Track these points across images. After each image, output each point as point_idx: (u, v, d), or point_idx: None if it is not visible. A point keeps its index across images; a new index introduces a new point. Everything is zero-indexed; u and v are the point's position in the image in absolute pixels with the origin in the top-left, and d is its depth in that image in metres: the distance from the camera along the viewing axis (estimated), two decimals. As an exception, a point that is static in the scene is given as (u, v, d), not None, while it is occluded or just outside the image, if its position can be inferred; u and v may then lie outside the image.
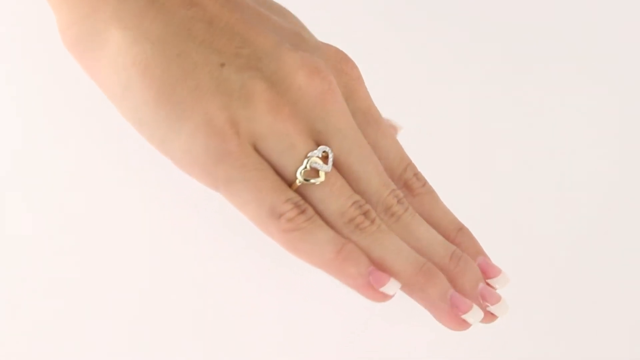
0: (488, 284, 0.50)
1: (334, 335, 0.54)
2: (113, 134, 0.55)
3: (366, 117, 0.51)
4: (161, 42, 0.47)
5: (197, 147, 0.46)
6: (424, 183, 0.51)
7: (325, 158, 0.48)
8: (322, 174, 0.47)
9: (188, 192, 0.51)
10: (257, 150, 0.47)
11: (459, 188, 0.56)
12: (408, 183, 0.51)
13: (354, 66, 0.51)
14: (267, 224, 0.47)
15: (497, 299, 0.49)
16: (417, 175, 0.51)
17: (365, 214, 0.48)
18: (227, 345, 0.52)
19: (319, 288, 0.54)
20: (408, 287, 0.47)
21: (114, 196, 0.54)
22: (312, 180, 0.47)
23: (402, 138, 0.53)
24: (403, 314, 0.51)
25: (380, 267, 0.47)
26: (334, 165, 0.48)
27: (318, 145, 0.48)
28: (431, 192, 0.51)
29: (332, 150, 0.48)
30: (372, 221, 0.48)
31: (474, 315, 0.47)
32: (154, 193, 0.54)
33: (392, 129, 0.55)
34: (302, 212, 0.47)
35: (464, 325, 0.47)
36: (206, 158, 0.46)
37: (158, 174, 0.51)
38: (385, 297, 0.46)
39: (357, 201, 0.48)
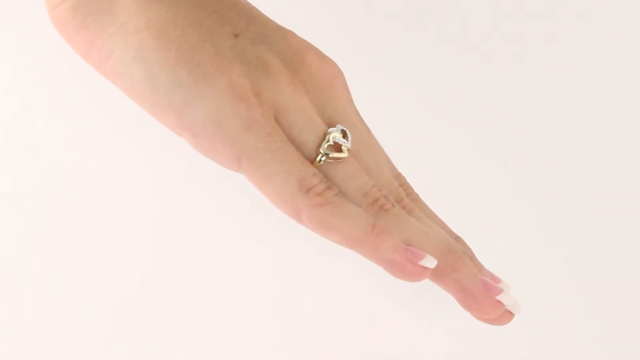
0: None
1: (339, 333, 0.49)
2: (105, 129, 0.49)
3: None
4: (174, 7, 0.43)
5: (223, 112, 0.42)
6: (415, 197, 0.49)
7: (344, 136, 0.45)
8: (345, 149, 0.44)
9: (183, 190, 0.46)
10: (278, 123, 0.44)
11: (453, 193, 0.55)
12: (398, 198, 0.49)
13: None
14: (295, 198, 0.43)
15: (500, 290, 0.47)
16: (404, 185, 0.49)
17: (385, 197, 0.45)
18: (229, 343, 0.46)
19: (320, 288, 0.50)
20: (439, 269, 0.45)
21: (107, 192, 0.48)
22: (336, 155, 0.44)
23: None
24: (408, 315, 0.47)
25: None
26: None
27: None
28: (418, 199, 0.49)
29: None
30: (392, 204, 0.45)
31: (507, 296, 0.45)
32: (150, 192, 0.49)
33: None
34: (330, 186, 0.43)
35: (499, 307, 0.45)
36: (233, 125, 0.42)
37: (154, 173, 0.46)
38: (424, 271, 0.43)
39: (374, 185, 0.45)
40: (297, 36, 0.47)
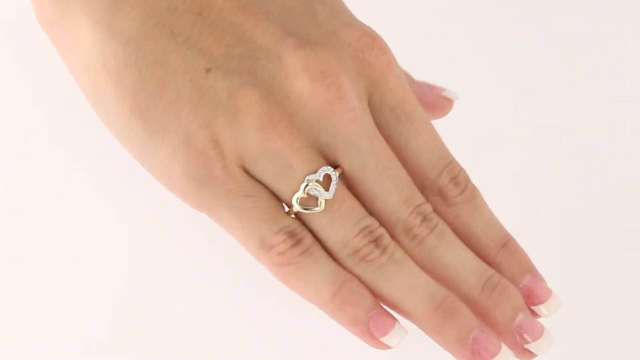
0: (533, 312, 0.43)
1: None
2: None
3: (395, 113, 0.42)
4: (135, 43, 0.40)
5: (175, 170, 0.40)
6: (463, 189, 0.43)
7: (329, 180, 0.41)
8: (322, 201, 0.40)
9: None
10: (247, 171, 0.40)
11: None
12: (442, 191, 0.43)
13: (382, 52, 0.42)
14: (257, 255, 0.41)
15: (539, 332, 0.42)
16: (455, 179, 0.43)
17: (377, 240, 0.41)
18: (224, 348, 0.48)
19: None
20: (423, 328, 0.41)
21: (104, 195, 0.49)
22: (310, 210, 0.40)
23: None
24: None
25: (390, 305, 0.41)
26: (346, 180, 0.41)
27: (327, 160, 0.41)
28: (471, 200, 0.43)
29: (342, 166, 0.41)
30: (384, 250, 0.41)
31: (503, 359, 0.41)
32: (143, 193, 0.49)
33: (444, 106, 0.47)
34: (297, 243, 0.40)
35: None
36: (186, 182, 0.40)
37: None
38: (386, 346, 0.41)
39: (366, 227, 0.41)
40: (296, 51, 0.40)
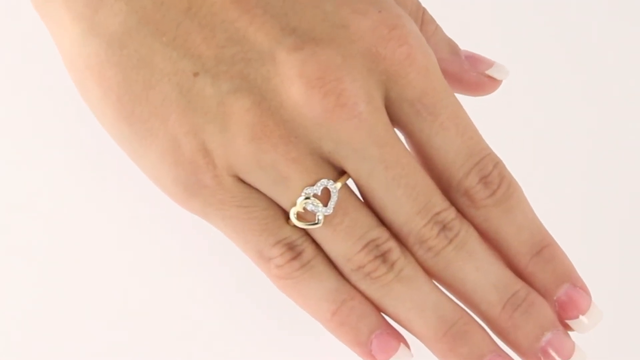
0: (568, 327, 0.39)
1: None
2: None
3: (415, 108, 0.37)
4: (118, 41, 0.36)
5: (164, 176, 0.37)
6: (495, 190, 0.38)
7: (327, 194, 0.37)
8: (320, 217, 0.37)
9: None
10: (242, 180, 0.37)
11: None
12: (469, 193, 0.38)
13: (400, 43, 0.37)
14: (256, 264, 0.38)
15: (569, 351, 0.38)
16: (486, 179, 0.38)
17: (384, 255, 0.37)
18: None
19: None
20: (431, 351, 0.38)
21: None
22: (308, 226, 0.37)
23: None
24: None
25: (397, 323, 0.38)
26: (357, 187, 0.38)
27: (334, 165, 0.37)
28: (504, 201, 0.38)
29: (349, 173, 0.37)
30: (391, 266, 0.37)
31: None
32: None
33: (488, 85, 0.41)
34: (296, 256, 0.37)
35: None
36: (176, 189, 0.37)
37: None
38: None
39: (372, 240, 0.37)
40: (294, 53, 0.35)
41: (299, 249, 0.37)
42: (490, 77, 0.41)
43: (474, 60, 0.41)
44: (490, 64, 0.41)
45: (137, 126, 0.37)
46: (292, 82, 0.36)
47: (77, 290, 0.47)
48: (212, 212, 0.37)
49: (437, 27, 0.41)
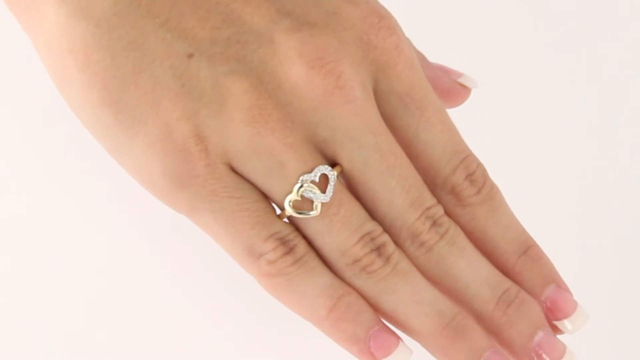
0: (555, 327, 0.38)
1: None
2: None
3: (403, 102, 0.37)
4: (108, 23, 0.35)
5: (151, 167, 0.35)
6: (480, 188, 0.38)
7: (326, 180, 0.36)
8: (317, 205, 0.36)
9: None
10: (234, 169, 0.36)
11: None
12: (456, 190, 0.38)
13: (389, 33, 0.37)
14: (244, 264, 0.36)
15: (560, 353, 0.38)
16: (471, 176, 0.38)
17: (379, 249, 0.36)
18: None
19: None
20: (429, 349, 0.37)
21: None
22: (304, 215, 0.36)
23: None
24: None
25: (392, 322, 0.37)
26: (346, 180, 0.37)
27: (326, 156, 0.36)
28: (489, 200, 0.38)
29: (342, 164, 0.36)
30: (387, 259, 0.36)
31: None
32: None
33: (460, 94, 0.42)
34: (289, 251, 0.36)
35: None
36: (163, 182, 0.35)
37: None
38: None
39: (367, 233, 0.36)
40: (291, 34, 0.35)
41: (292, 243, 0.36)
42: (462, 85, 0.42)
43: (443, 70, 0.42)
44: (459, 74, 0.42)
45: (123, 113, 0.35)
46: (292, 62, 0.35)
47: (61, 292, 0.43)
48: (201, 205, 0.35)
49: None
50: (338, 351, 0.42)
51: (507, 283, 0.38)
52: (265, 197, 0.36)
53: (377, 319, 0.37)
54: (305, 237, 0.36)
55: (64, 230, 0.44)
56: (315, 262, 0.36)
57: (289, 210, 0.35)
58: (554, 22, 0.50)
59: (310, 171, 0.35)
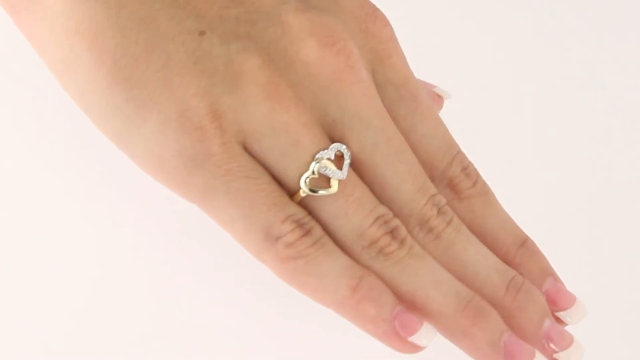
0: (558, 319, 0.38)
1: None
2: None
3: (399, 93, 0.38)
4: (115, 3, 0.34)
5: (165, 147, 0.34)
6: (475, 181, 0.39)
7: (339, 160, 0.35)
8: (334, 182, 0.35)
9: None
10: (248, 149, 0.35)
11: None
12: (453, 182, 0.38)
13: (384, 23, 0.38)
14: (260, 249, 0.35)
15: (568, 341, 0.37)
16: (466, 170, 0.38)
17: (393, 232, 0.36)
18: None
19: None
20: (449, 331, 0.36)
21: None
22: (321, 192, 0.35)
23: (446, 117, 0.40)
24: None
25: (411, 306, 0.36)
26: (353, 165, 0.36)
27: (332, 140, 0.36)
28: (485, 194, 0.39)
29: (350, 147, 0.36)
30: (402, 242, 0.36)
31: None
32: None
33: (436, 102, 0.42)
34: (307, 233, 0.35)
35: None
36: (177, 162, 0.34)
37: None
38: (415, 348, 0.35)
39: (381, 216, 0.36)
40: (300, 14, 0.36)
41: (308, 225, 0.35)
42: (437, 95, 0.42)
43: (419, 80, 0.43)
44: (432, 86, 0.43)
45: (134, 92, 0.34)
46: (303, 41, 0.35)
47: (62, 293, 0.40)
48: (216, 186, 0.34)
49: None
50: (338, 352, 0.40)
51: (513, 271, 0.38)
52: (276, 181, 0.35)
53: (397, 300, 0.36)
54: (318, 222, 0.36)
55: (63, 230, 0.41)
56: (331, 245, 0.35)
57: (305, 189, 0.35)
58: (553, 22, 0.52)
59: (326, 149, 0.35)
